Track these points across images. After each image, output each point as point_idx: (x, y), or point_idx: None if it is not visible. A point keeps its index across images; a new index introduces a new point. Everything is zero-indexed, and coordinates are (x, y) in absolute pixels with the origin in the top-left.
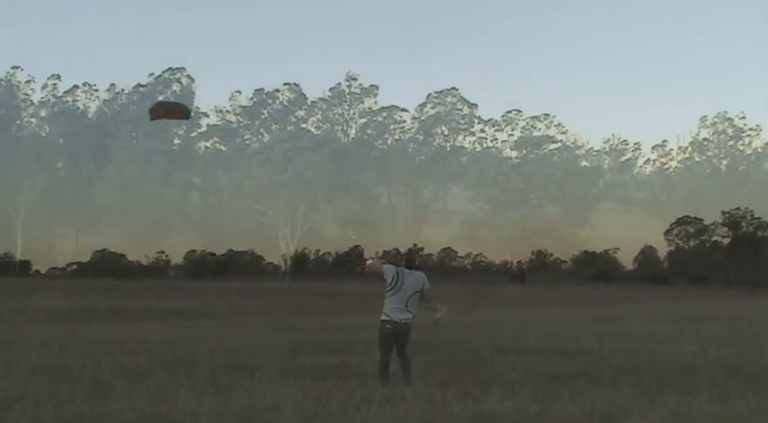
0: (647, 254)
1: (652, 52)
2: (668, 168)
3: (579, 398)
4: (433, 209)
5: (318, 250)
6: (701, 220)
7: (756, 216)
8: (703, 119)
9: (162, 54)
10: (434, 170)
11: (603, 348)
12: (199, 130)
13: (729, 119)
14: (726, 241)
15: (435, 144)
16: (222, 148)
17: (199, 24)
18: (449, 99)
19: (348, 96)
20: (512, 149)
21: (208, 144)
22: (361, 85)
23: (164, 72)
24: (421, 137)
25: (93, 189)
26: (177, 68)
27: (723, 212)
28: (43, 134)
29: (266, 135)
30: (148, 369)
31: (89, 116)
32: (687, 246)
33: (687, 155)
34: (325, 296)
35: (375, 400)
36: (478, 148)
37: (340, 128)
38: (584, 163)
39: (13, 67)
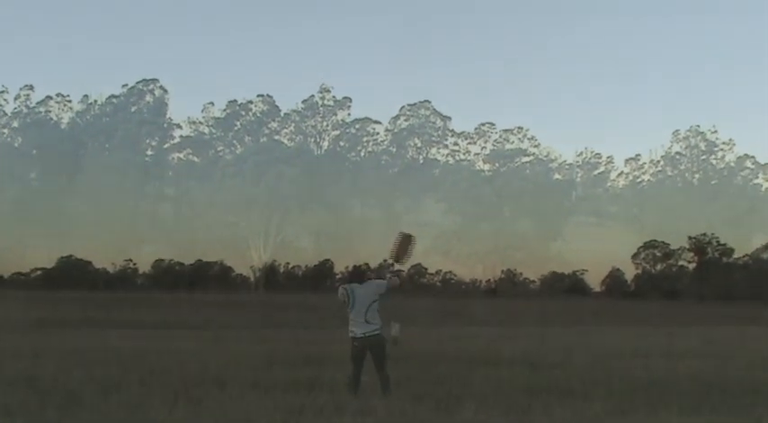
0: (614, 276)
1: (625, 66)
2: (641, 182)
3: (551, 411)
4: (406, 221)
5: (288, 263)
6: (668, 244)
7: (722, 242)
8: (676, 133)
9: (135, 65)
10: (407, 182)
11: (574, 362)
12: (172, 142)
13: (702, 133)
14: (692, 266)
15: (408, 156)
16: (195, 159)
17: (172, 34)
18: (422, 111)
19: (321, 108)
20: (484, 162)
21: (181, 155)
22: (334, 97)
23: (137, 83)
24: (394, 149)
25: (65, 199)
26: (150, 80)
27: (689, 237)
28: (16, 145)
29: (239, 147)
30: (119, 380)
31: (62, 127)
32: (654, 269)
33: (660, 168)
34: (298, 308)
35: (348, 413)
36: (451, 160)
37: (313, 140)
38: (557, 176)
39: None
